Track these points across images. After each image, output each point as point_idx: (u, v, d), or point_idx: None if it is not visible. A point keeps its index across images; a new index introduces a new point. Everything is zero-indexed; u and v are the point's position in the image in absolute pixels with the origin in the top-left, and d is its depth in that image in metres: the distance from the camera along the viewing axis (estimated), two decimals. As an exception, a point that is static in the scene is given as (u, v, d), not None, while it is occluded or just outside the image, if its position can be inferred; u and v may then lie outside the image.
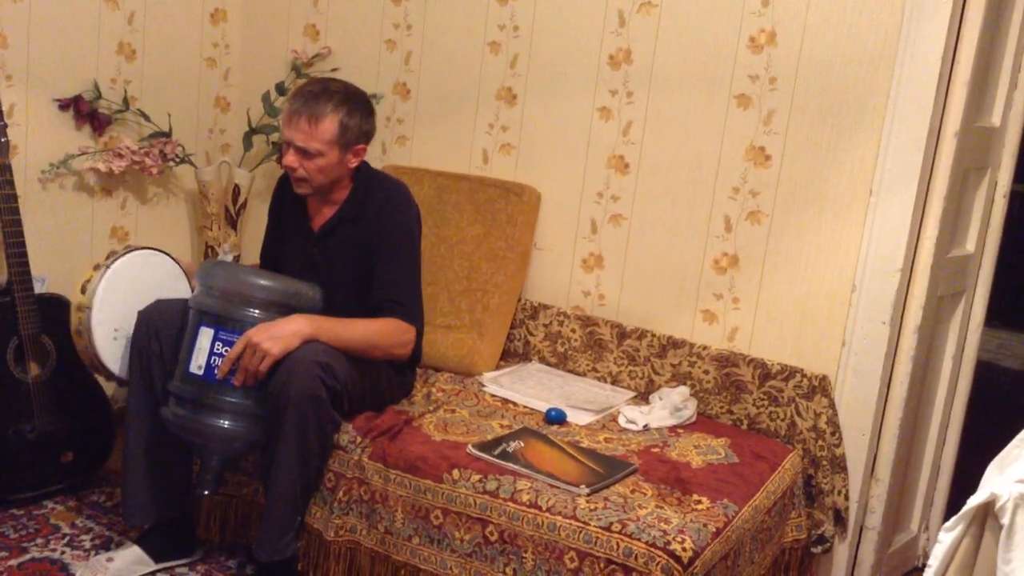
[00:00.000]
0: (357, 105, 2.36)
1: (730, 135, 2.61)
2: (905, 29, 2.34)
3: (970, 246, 2.67)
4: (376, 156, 3.13)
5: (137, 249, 2.51)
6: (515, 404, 2.57)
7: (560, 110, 2.86)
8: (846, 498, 2.49)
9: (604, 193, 2.81)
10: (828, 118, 2.47)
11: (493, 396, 2.62)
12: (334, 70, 3.15)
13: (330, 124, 2.31)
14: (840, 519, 2.51)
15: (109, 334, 2.41)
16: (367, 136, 2.41)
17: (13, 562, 2.37)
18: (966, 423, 2.84)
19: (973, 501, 1.46)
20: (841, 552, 2.56)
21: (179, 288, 2.54)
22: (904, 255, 2.41)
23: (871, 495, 2.57)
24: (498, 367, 2.82)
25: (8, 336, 2.56)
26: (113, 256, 2.45)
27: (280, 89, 3.23)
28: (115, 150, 3.00)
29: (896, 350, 2.50)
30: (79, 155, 2.95)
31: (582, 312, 2.86)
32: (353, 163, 2.41)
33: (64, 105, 2.91)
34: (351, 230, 2.42)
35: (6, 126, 2.62)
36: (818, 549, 2.50)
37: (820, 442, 2.48)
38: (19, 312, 2.55)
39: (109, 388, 2.83)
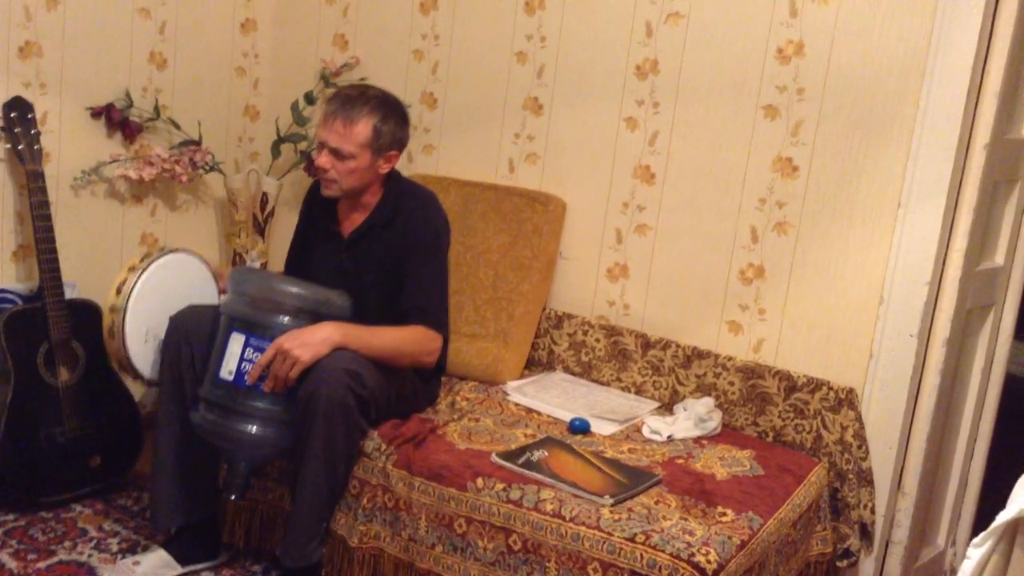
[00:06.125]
0: (392, 112, 2.40)
1: (757, 146, 2.60)
2: (935, 40, 2.33)
3: (999, 259, 2.65)
4: (403, 165, 3.14)
5: (171, 252, 2.51)
6: (539, 413, 2.57)
7: (586, 120, 2.86)
8: (872, 512, 2.48)
9: (630, 203, 2.81)
10: (856, 129, 2.46)
11: (517, 405, 2.62)
12: (362, 79, 3.17)
13: (364, 127, 2.34)
14: (866, 533, 2.49)
15: (140, 336, 2.42)
16: (400, 143, 2.44)
17: (41, 564, 2.40)
18: (994, 437, 2.82)
19: (1003, 517, 1.44)
20: (867, 566, 2.54)
21: (210, 292, 2.56)
22: (933, 267, 2.40)
23: (898, 509, 2.55)
24: (522, 376, 2.83)
25: (39, 341, 2.60)
26: (148, 258, 2.45)
27: (309, 98, 3.26)
28: (146, 158, 3.04)
29: (924, 363, 2.49)
30: (110, 162, 2.99)
31: (607, 322, 2.86)
32: (384, 169, 2.43)
33: (96, 113, 2.95)
34: (381, 237, 2.44)
35: (39, 133, 2.67)
36: (844, 563, 2.48)
37: (846, 455, 2.46)
38: (50, 317, 2.59)
39: (137, 393, 2.86)
